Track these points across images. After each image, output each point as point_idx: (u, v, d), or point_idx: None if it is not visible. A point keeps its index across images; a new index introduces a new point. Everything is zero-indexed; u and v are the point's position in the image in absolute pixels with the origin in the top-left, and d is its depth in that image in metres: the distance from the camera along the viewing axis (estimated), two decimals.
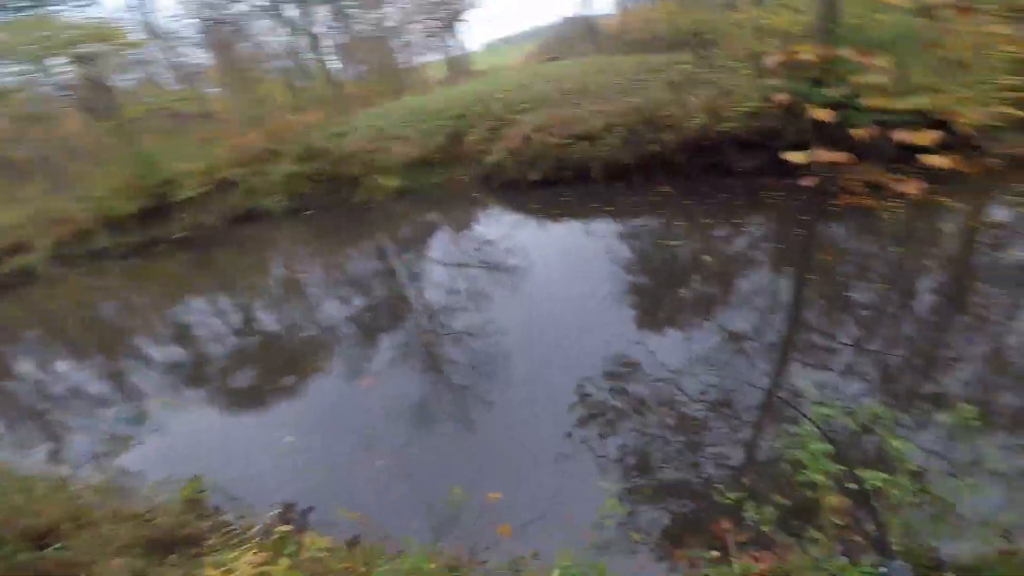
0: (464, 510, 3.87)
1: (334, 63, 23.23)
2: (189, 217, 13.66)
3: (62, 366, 9.00)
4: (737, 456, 4.29)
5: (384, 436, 5.21)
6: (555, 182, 11.08)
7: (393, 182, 12.71)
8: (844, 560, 2.70)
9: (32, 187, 15.45)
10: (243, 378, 7.02)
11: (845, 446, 4.00)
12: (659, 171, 10.42)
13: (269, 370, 7.03)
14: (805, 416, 2.52)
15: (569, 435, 4.76)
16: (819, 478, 2.61)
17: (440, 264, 9.34)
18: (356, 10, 23.19)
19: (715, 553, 3.21)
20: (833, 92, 7.70)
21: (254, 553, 2.56)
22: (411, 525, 3.92)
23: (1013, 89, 7.44)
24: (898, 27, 7.49)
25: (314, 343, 7.51)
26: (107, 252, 13.56)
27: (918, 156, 6.01)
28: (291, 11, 19.87)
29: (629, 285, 7.33)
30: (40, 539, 3.38)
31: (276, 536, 3.47)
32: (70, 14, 16.96)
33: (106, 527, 3.57)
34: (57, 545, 3.27)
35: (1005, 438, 4.03)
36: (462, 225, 11.14)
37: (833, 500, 2.69)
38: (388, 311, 8.17)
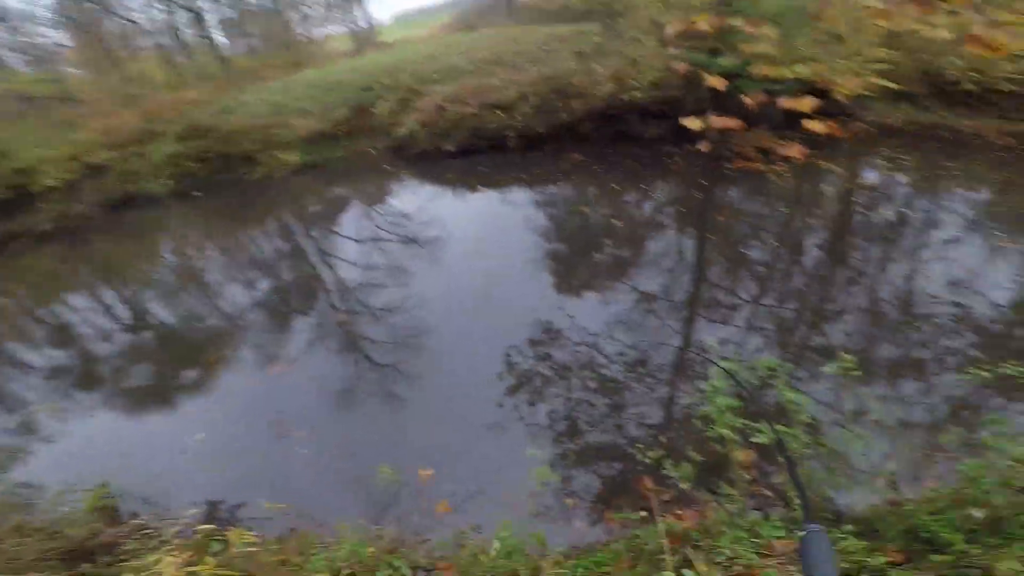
0: (400, 490, 3.88)
1: (220, 38, 21.97)
2: (55, 207, 12.23)
3: None
4: (655, 415, 4.50)
5: (306, 422, 5.04)
6: (471, 152, 11.04)
7: (293, 157, 12.19)
8: (757, 515, 2.91)
9: None
10: (141, 376, 6.45)
11: (749, 400, 4.42)
12: (570, 140, 10.73)
13: (170, 365, 6.53)
14: (720, 367, 2.61)
15: (500, 405, 4.81)
16: (727, 432, 2.72)
17: (352, 240, 9.03)
18: None
19: (643, 513, 3.31)
20: (727, 62, 8.23)
21: (175, 555, 2.46)
22: (346, 511, 3.84)
23: (881, 61, 8.30)
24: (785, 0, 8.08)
25: (218, 332, 7.03)
26: None
27: (801, 122, 6.62)
28: None
29: (547, 252, 7.51)
30: None
31: (198, 536, 3.34)
32: None
33: (10, 543, 3.27)
34: None
35: (884, 389, 4.44)
36: (374, 199, 10.82)
37: (740, 454, 2.81)
38: (298, 293, 7.80)
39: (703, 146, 7.26)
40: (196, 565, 2.39)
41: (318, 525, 3.69)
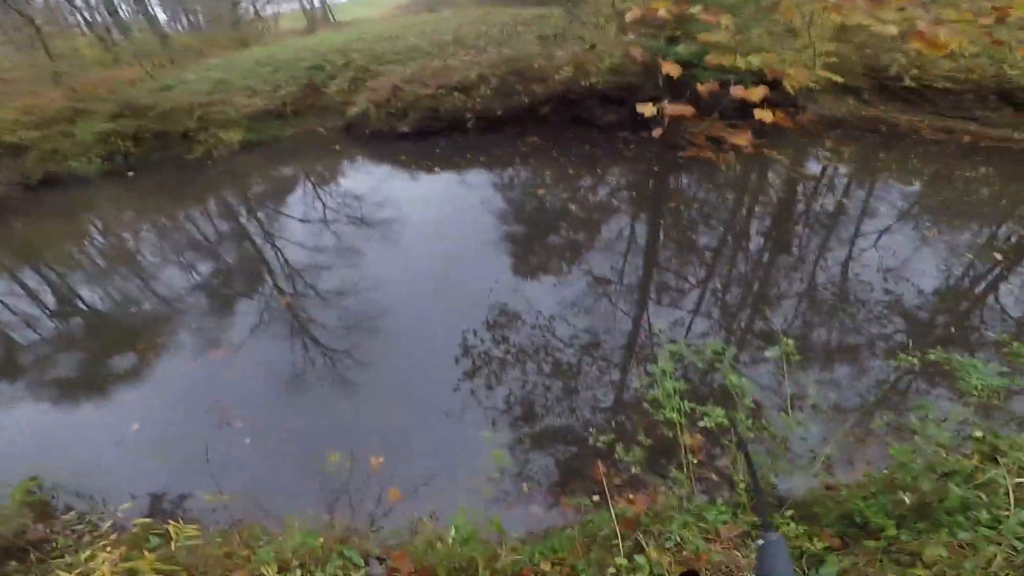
0: (353, 478, 3.79)
1: (161, 15, 20.84)
2: None
3: None
4: (608, 398, 4.58)
5: (251, 410, 4.84)
6: (428, 133, 10.86)
7: (236, 136, 11.66)
8: (704, 498, 2.98)
9: None
10: (71, 364, 6.01)
11: (695, 383, 4.39)
12: (530, 123, 10.73)
13: (101, 353, 6.11)
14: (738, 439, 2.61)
15: (457, 389, 4.78)
16: (674, 416, 2.76)
17: (300, 221, 8.68)
18: None
19: (596, 498, 3.37)
20: (684, 50, 8.37)
21: (108, 551, 2.34)
22: (296, 501, 3.74)
23: (830, 55, 8.62)
24: None
25: (154, 317, 6.59)
26: None
27: (751, 112, 6.84)
28: None
29: (504, 234, 7.49)
30: None
31: (135, 530, 3.19)
32: None
33: None
34: None
35: (820, 373, 4.63)
36: (324, 179, 10.47)
37: (688, 438, 2.85)
38: (241, 275, 7.41)
39: (656, 133, 7.38)
40: (133, 561, 2.27)
41: (265, 516, 3.58)
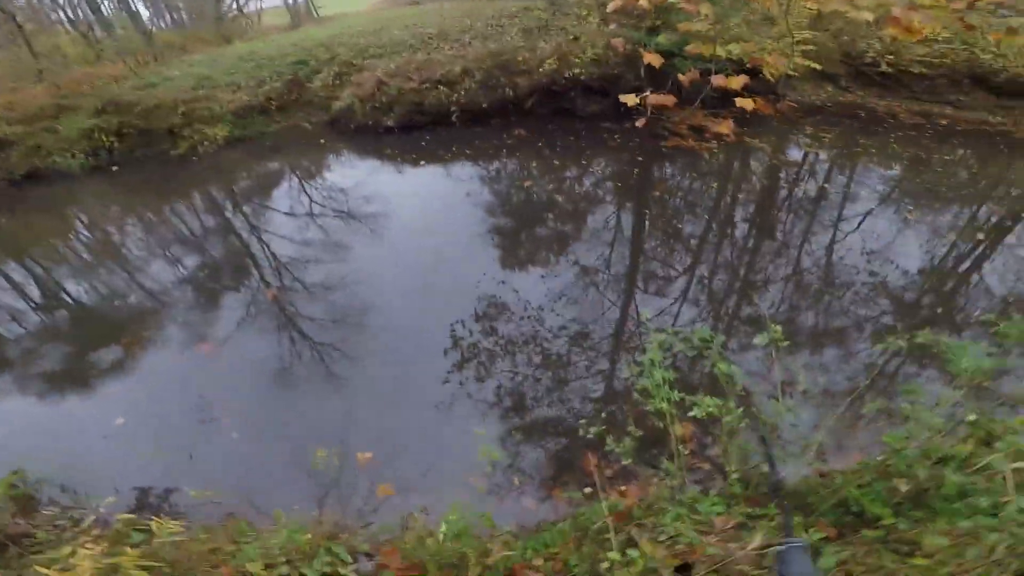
0: (342, 473, 3.77)
1: (142, 12, 20.54)
2: None
3: None
4: (598, 389, 4.59)
5: (238, 404, 4.81)
6: (413, 127, 10.80)
7: (221, 131, 11.55)
8: (696, 489, 2.91)
9: None
10: (56, 358, 5.96)
11: (685, 371, 4.42)
12: (515, 115, 10.72)
13: (86, 347, 6.05)
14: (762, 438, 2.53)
15: (446, 382, 4.77)
16: (664, 406, 2.71)
17: (287, 215, 8.62)
18: None
19: (588, 490, 3.35)
20: (664, 39, 8.40)
21: (90, 546, 2.32)
22: (284, 497, 3.71)
23: (807, 43, 8.70)
24: None
25: (140, 311, 6.54)
26: None
27: (732, 100, 6.89)
28: None
29: (491, 226, 7.48)
30: None
31: (117, 525, 3.17)
32: None
33: None
34: None
35: (808, 357, 4.66)
36: (310, 173, 10.37)
37: (679, 428, 2.79)
38: (228, 269, 7.37)
39: (639, 123, 7.40)
40: (115, 557, 2.26)
41: (253, 512, 3.58)
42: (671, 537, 2.37)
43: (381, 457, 4.03)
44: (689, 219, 7.38)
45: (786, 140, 9.41)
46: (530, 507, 3.63)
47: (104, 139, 11.49)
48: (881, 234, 6.44)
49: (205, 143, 11.48)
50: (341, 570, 2.57)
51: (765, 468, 2.73)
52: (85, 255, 8.69)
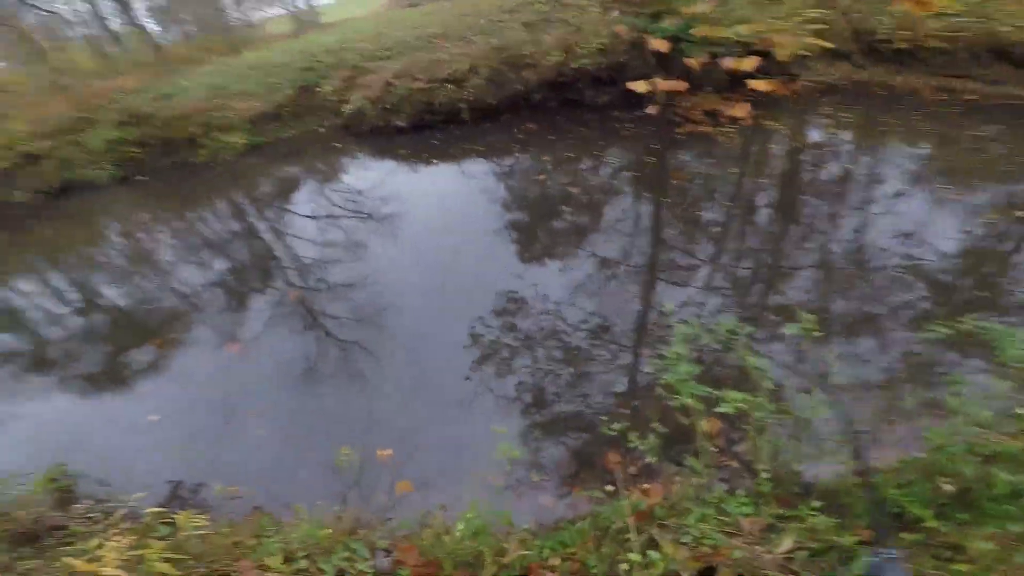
0: (363, 470, 3.79)
1: (152, 25, 21.18)
2: None
3: None
4: (620, 383, 4.49)
5: (263, 402, 4.96)
6: (424, 126, 10.84)
7: (239, 139, 11.83)
8: (723, 488, 2.81)
9: None
10: (94, 358, 6.30)
11: (711, 365, 4.24)
12: (524, 109, 10.66)
13: (122, 347, 6.35)
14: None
15: (467, 378, 4.76)
16: (690, 401, 2.63)
17: (307, 217, 8.77)
18: None
19: (609, 488, 3.26)
20: (669, 24, 8.23)
21: (118, 539, 2.37)
22: (306, 492, 3.78)
23: (816, 21, 8.44)
24: None
25: (171, 313, 6.83)
26: None
27: (745, 83, 6.72)
28: None
29: (507, 222, 7.44)
30: None
31: (145, 518, 3.25)
32: None
33: None
34: None
35: (842, 347, 4.44)
36: (327, 176, 10.52)
37: (705, 424, 2.71)
38: (253, 271, 7.60)
39: (651, 110, 7.28)
40: (141, 549, 2.29)
41: (276, 507, 3.65)
42: (695, 538, 2.29)
43: (401, 455, 4.04)
44: (709, 206, 7.19)
45: (805, 121, 9.15)
46: (548, 505, 3.58)
47: (128, 150, 11.95)
48: (914, 215, 6.17)
49: (224, 151, 11.79)
50: (359, 565, 2.59)
51: (796, 466, 2.65)
52: (118, 261, 9.11)
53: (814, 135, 8.81)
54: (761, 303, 5.32)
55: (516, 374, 4.75)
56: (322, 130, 12.04)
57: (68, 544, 3.06)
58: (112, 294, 7.84)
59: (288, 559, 2.58)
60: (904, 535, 2.04)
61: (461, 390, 4.66)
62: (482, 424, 4.25)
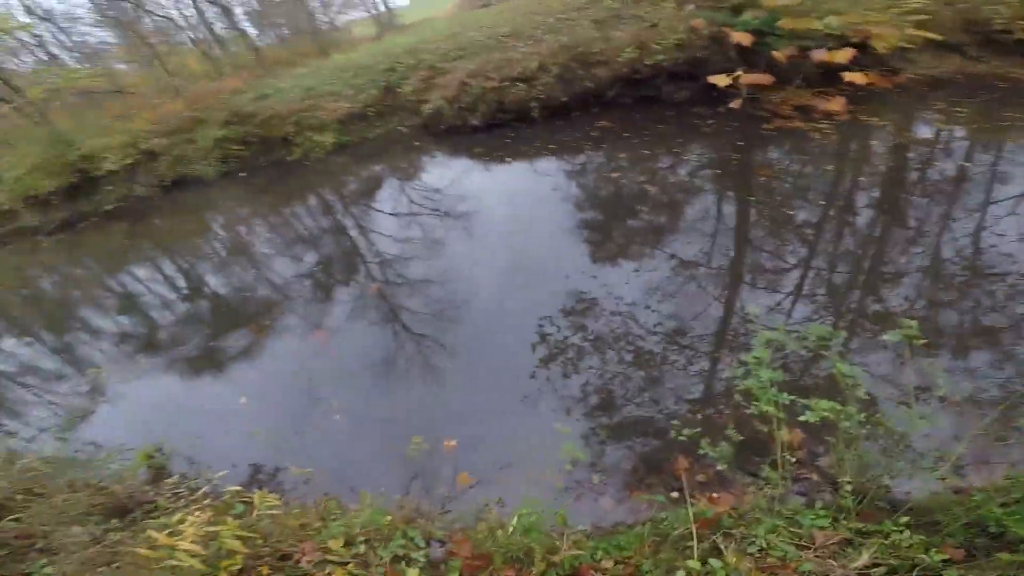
0: (429, 461, 3.93)
1: (250, 29, 22.82)
2: (118, 189, 13.32)
3: (7, 344, 8.46)
4: (695, 389, 4.34)
5: (342, 390, 5.20)
6: (496, 125, 10.99)
7: (329, 138, 12.48)
8: (800, 500, 2.69)
9: None
10: (195, 342, 6.84)
11: (796, 373, 4.03)
12: (596, 106, 10.56)
13: (220, 332, 6.88)
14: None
15: (533, 377, 4.77)
16: (770, 409, 2.53)
17: (389, 215, 9.14)
18: None
19: (675, 494, 3.18)
20: (750, 17, 7.80)
21: (197, 514, 2.55)
22: (374, 479, 3.95)
23: (918, 12, 7.72)
24: None
25: (265, 302, 7.32)
26: (36, 229, 13.04)
27: (839, 76, 6.26)
28: None
29: (580, 221, 7.38)
30: None
31: (225, 496, 3.48)
32: None
33: (61, 497, 3.50)
34: (11, 517, 3.21)
35: (951, 361, 4.07)
36: (408, 175, 10.90)
37: (785, 434, 2.61)
38: (340, 265, 8.00)
39: (734, 104, 6.94)
40: (217, 525, 2.47)
41: (345, 491, 3.81)
42: (761, 549, 2.20)
43: (465, 448, 4.15)
44: (802, 206, 6.75)
45: (911, 117, 8.38)
46: (608, 508, 3.52)
47: (232, 148, 12.95)
48: None
49: (315, 150, 12.49)
50: (413, 554, 2.66)
51: (886, 480, 2.50)
52: (221, 252, 9.96)
53: (922, 131, 8.07)
54: (859, 311, 4.93)
55: (583, 374, 4.71)
56: (403, 130, 12.46)
57: (154, 518, 3.33)
58: (214, 282, 8.55)
59: (348, 543, 2.70)
60: (1002, 555, 1.89)
61: (527, 387, 4.69)
62: (546, 422, 4.26)
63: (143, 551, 2.34)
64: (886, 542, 2.11)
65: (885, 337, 2.62)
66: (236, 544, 2.40)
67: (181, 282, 8.98)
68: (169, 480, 4.22)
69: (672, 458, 3.60)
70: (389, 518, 2.94)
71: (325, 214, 10.28)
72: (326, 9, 24.66)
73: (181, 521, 2.45)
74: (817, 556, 2.11)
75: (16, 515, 3.22)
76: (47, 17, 19.22)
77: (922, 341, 2.54)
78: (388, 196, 10.03)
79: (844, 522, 2.35)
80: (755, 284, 5.52)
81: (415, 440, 3.72)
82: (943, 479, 2.47)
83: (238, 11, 21.86)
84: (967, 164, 6.88)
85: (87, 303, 9.30)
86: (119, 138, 13.45)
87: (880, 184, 7.02)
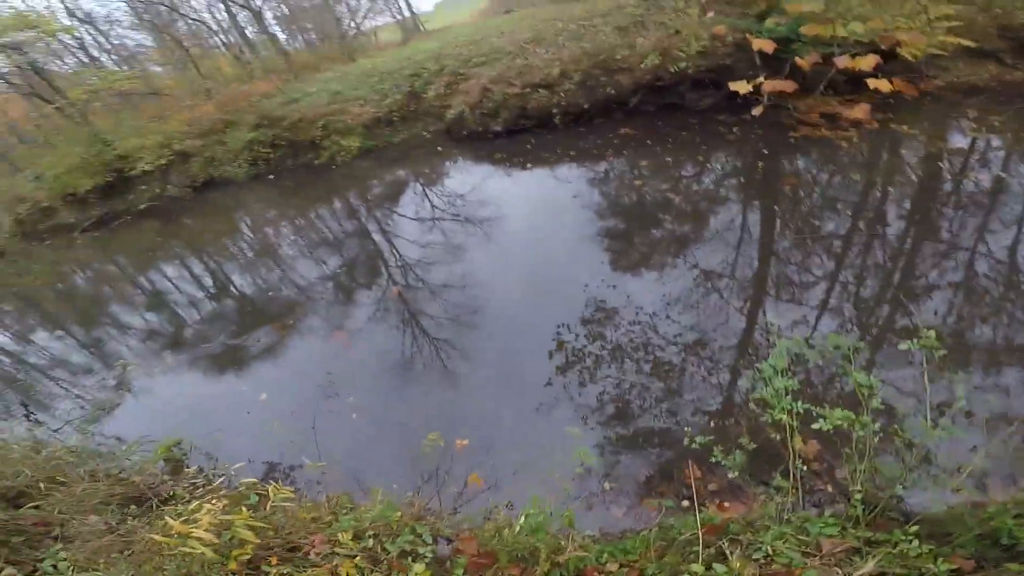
0: (442, 461, 3.96)
1: (279, 33, 23.53)
2: (151, 188, 13.80)
3: (40, 337, 8.84)
4: (713, 400, 4.31)
5: (360, 391, 5.29)
6: (518, 131, 11.04)
7: (354, 142, 12.70)
8: (812, 510, 2.67)
9: None
10: (220, 339, 7.01)
11: (818, 387, 4.00)
12: (619, 114, 10.53)
13: (244, 331, 7.02)
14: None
15: (549, 383, 4.78)
16: (784, 417, 2.51)
17: (411, 219, 9.25)
18: None
19: (685, 502, 3.19)
20: (773, 24, 7.69)
21: (213, 504, 2.58)
22: (387, 476, 4.02)
23: (950, 18, 7.50)
24: None
25: (289, 303, 7.48)
26: (72, 226, 13.59)
27: (865, 83, 6.11)
28: None
29: (600, 229, 7.36)
30: (15, 499, 3.41)
31: (240, 488, 3.56)
32: None
33: (81, 486, 3.61)
34: (32, 504, 3.31)
35: (981, 377, 4.00)
36: (430, 179, 11.04)
37: (798, 442, 2.58)
38: (362, 268, 8.14)
39: (756, 111, 6.83)
40: (231, 515, 2.52)
41: (357, 487, 3.90)
42: (767, 556, 2.18)
43: (479, 449, 4.19)
44: (829, 216, 6.60)
45: (944, 125, 8.15)
46: (617, 514, 3.53)
47: (261, 150, 13.26)
48: None
49: (341, 153, 12.72)
50: (420, 550, 2.69)
51: (898, 490, 2.46)
52: (248, 252, 10.22)
53: (956, 140, 7.85)
54: (886, 325, 4.83)
55: (599, 383, 4.70)
56: (427, 135, 12.61)
57: (171, 506, 3.42)
58: (240, 282, 8.76)
59: (357, 536, 2.74)
60: (1011, 565, 1.89)
61: (542, 394, 4.70)
62: (559, 429, 4.26)
63: (158, 537, 2.41)
64: (893, 551, 2.08)
65: (901, 347, 2.61)
66: (248, 534, 2.45)
67: (208, 281, 9.24)
68: (188, 471, 4.35)
69: (683, 466, 3.59)
70: (399, 514, 2.98)
71: (349, 217, 10.47)
72: (353, 14, 25.10)
73: (197, 509, 2.50)
74: (823, 563, 2.10)
75: (36, 503, 3.32)
76: (88, 20, 19.94)
77: (941, 352, 2.50)
78: (411, 200, 10.16)
79: (853, 531, 2.32)
80: (779, 296, 5.44)
81: (431, 436, 3.76)
82: (958, 490, 2.44)
83: (268, 16, 22.55)
84: (1004, 174, 6.67)
85: (118, 299, 9.64)
86: (154, 139, 13.92)
87: (911, 195, 6.85)
